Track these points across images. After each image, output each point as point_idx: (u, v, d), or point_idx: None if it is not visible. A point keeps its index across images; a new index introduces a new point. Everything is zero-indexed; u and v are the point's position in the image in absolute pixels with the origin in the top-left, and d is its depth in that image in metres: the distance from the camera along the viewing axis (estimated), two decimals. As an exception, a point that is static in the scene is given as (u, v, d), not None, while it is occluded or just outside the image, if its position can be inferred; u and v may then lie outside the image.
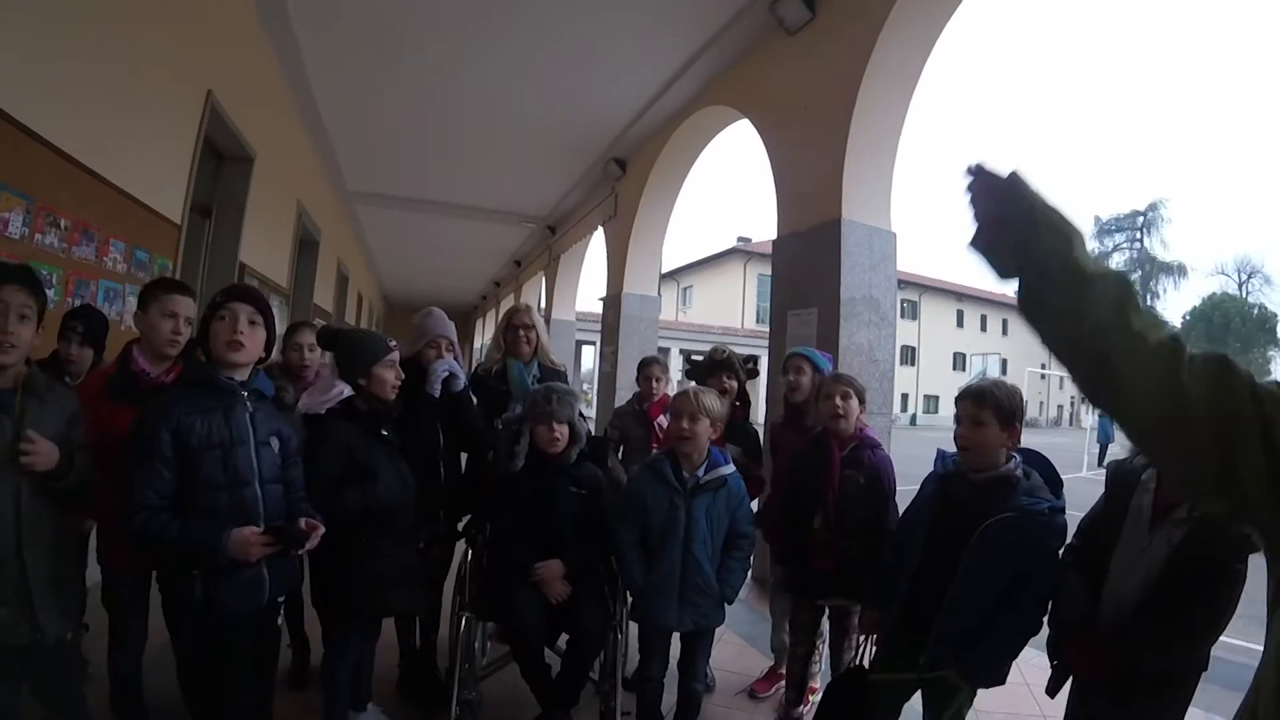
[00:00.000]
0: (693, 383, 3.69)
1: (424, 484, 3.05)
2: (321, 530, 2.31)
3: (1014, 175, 1.13)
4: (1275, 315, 52.75)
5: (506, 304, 19.50)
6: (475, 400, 3.67)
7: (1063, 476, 2.54)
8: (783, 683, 3.65)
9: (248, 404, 2.29)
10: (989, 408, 2.41)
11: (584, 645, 2.98)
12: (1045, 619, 2.44)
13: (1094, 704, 2.31)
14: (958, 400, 2.54)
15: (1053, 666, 2.42)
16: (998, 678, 2.42)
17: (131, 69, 4.15)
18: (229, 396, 2.26)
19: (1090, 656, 2.23)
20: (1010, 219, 1.12)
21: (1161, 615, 2.12)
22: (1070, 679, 2.38)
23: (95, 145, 3.80)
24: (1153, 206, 55.59)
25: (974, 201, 1.17)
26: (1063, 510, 2.41)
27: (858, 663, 2.88)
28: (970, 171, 1.18)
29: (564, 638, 3.07)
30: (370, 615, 2.96)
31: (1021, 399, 2.52)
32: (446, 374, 3.40)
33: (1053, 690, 2.40)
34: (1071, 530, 2.46)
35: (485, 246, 16.55)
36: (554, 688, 2.97)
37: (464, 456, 3.70)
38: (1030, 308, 1.13)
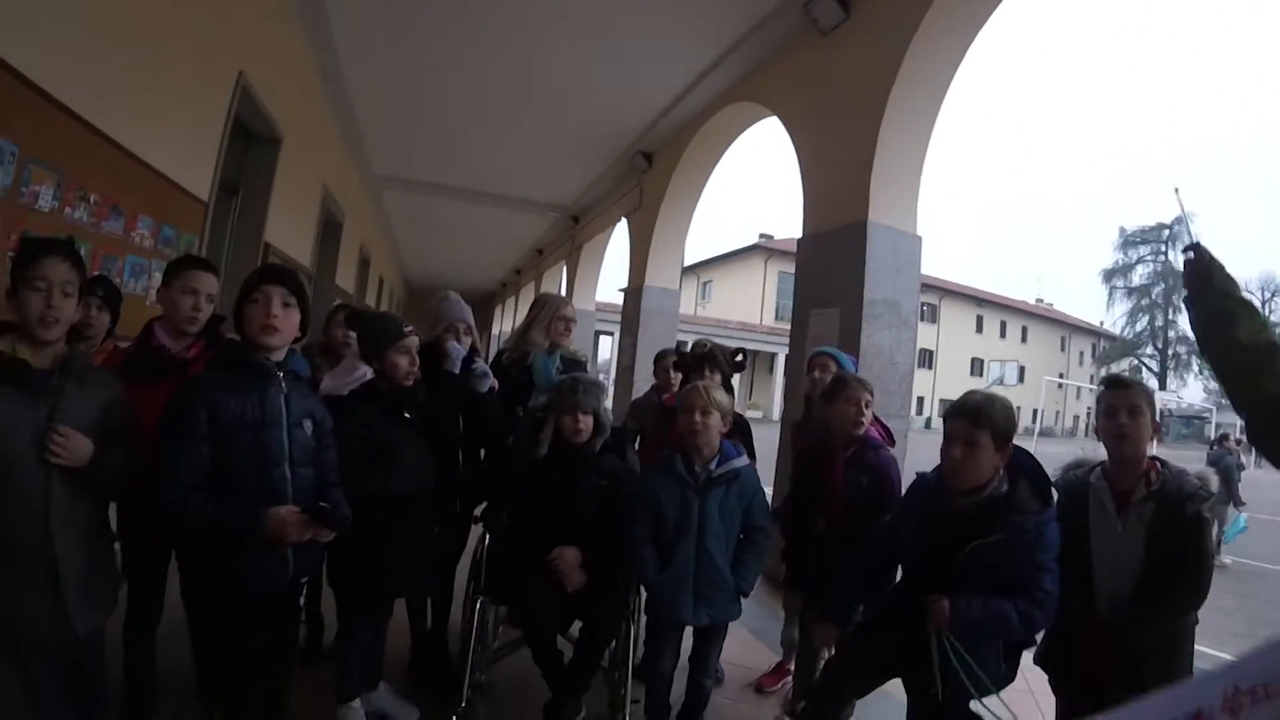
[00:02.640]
0: (680, 376, 3.73)
1: (442, 468, 3.06)
2: (346, 518, 2.33)
3: (1209, 268, 1.90)
4: (1298, 332, 52.31)
5: (527, 291, 19.56)
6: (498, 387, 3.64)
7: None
8: (789, 678, 3.66)
9: (282, 385, 2.28)
10: (985, 429, 2.30)
11: (597, 634, 2.99)
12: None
13: (1092, 696, 2.33)
14: (948, 417, 2.43)
15: (1049, 671, 2.55)
16: (1000, 675, 2.40)
17: (164, 47, 4.16)
18: (264, 377, 2.25)
19: (1102, 642, 2.32)
20: (1201, 292, 1.89)
21: (1160, 583, 2.26)
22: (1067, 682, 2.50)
23: (126, 122, 3.81)
24: (1179, 220, 54.94)
25: (1187, 268, 1.92)
26: (1053, 517, 2.32)
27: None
28: (1189, 249, 1.95)
29: (576, 625, 3.09)
30: (383, 597, 2.99)
31: (1015, 416, 2.42)
32: (463, 354, 3.37)
33: (1058, 689, 2.53)
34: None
35: (508, 234, 16.58)
36: (566, 674, 2.99)
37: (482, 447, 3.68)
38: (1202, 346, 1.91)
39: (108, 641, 2.30)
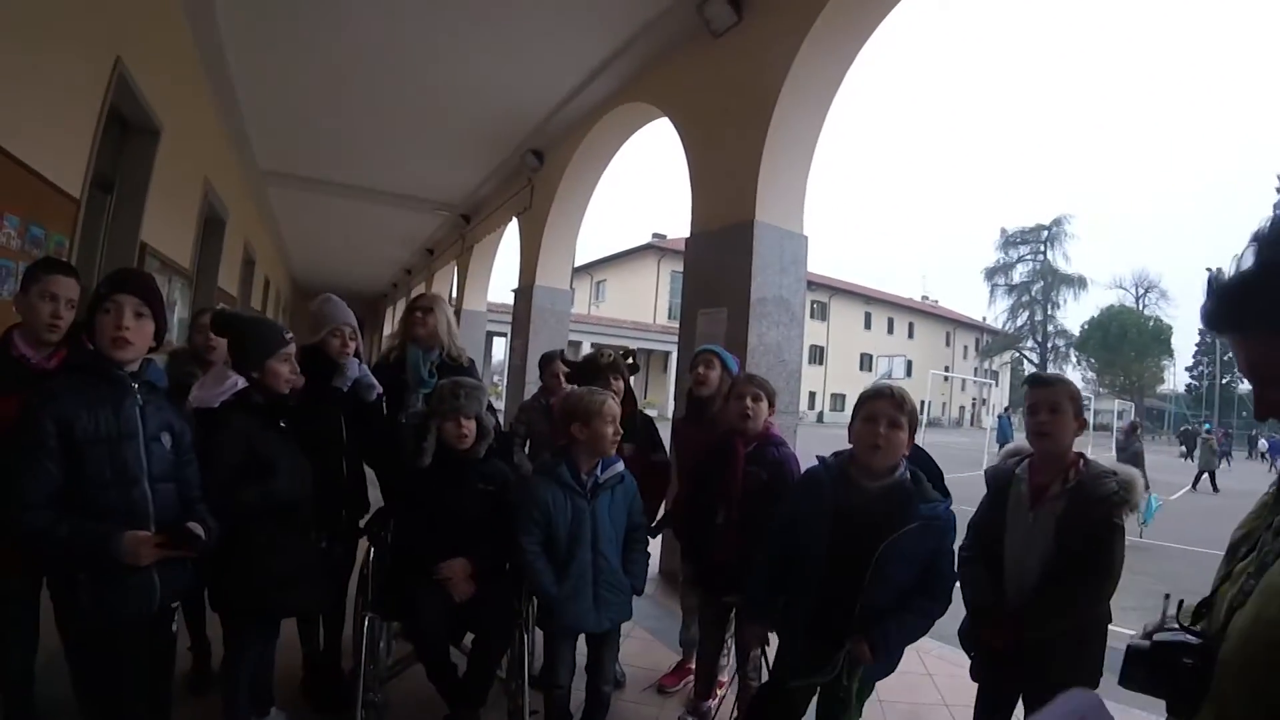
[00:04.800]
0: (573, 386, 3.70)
1: (325, 479, 2.95)
2: (210, 538, 2.24)
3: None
4: (1169, 328, 55.56)
5: (418, 292, 19.18)
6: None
7: (964, 474, 2.65)
8: (691, 676, 3.66)
9: (138, 396, 2.17)
10: (906, 413, 2.40)
11: (490, 644, 2.94)
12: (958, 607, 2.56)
13: (1008, 681, 2.49)
14: (872, 399, 2.45)
15: (970, 655, 2.59)
16: (893, 664, 2.51)
17: (32, 28, 3.82)
18: (119, 388, 2.14)
19: (1005, 632, 2.38)
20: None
21: (1060, 580, 2.32)
22: (984, 665, 2.55)
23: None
24: (1057, 222, 57.78)
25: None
26: (950, 502, 2.45)
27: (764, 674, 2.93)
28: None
29: (469, 636, 3.02)
30: (270, 616, 2.86)
31: None
32: (358, 376, 3.31)
33: (975, 674, 2.58)
34: (962, 528, 2.56)
35: (398, 233, 16.25)
36: (460, 687, 2.93)
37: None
38: None
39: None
